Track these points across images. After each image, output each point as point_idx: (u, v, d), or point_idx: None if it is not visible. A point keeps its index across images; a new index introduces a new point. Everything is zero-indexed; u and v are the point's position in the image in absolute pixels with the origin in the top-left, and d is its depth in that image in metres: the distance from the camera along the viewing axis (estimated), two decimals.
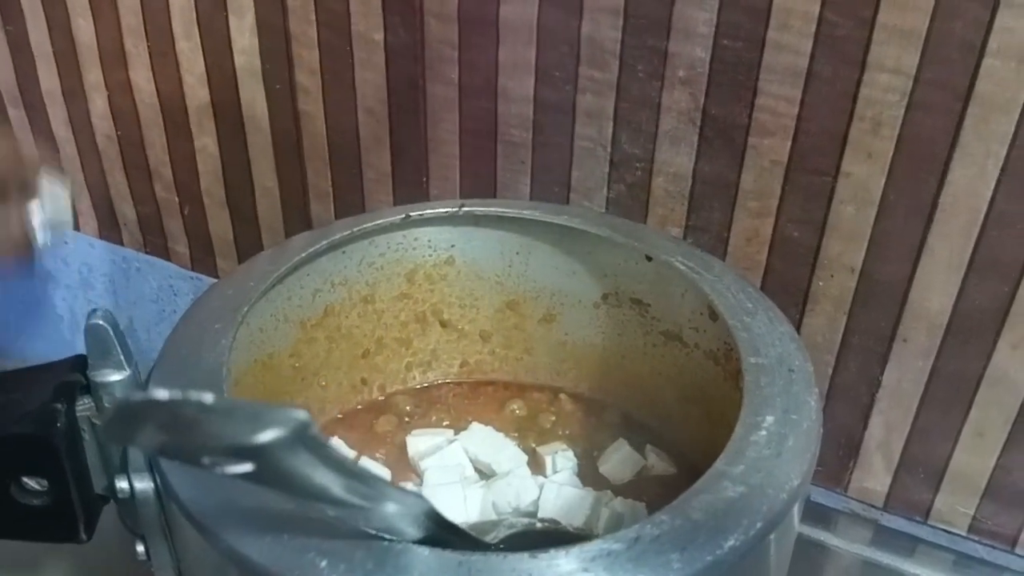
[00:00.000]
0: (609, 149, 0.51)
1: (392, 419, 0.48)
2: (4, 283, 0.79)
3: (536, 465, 0.45)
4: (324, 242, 0.42)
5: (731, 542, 0.28)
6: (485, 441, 0.46)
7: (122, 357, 0.34)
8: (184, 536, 0.32)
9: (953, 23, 0.41)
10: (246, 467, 0.20)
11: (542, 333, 0.49)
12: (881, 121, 0.44)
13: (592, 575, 0.27)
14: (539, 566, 0.27)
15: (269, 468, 0.21)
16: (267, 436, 0.19)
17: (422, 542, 0.28)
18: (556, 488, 0.43)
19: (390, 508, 0.26)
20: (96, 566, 0.51)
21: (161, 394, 0.19)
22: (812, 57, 0.45)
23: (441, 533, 0.29)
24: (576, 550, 0.28)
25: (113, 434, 0.20)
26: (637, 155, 0.51)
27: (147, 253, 0.73)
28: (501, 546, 0.38)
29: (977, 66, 0.42)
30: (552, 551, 0.28)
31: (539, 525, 0.41)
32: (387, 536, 0.28)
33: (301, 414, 0.19)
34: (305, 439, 0.20)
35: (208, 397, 0.19)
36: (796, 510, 0.32)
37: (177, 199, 0.69)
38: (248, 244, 0.67)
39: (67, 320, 0.81)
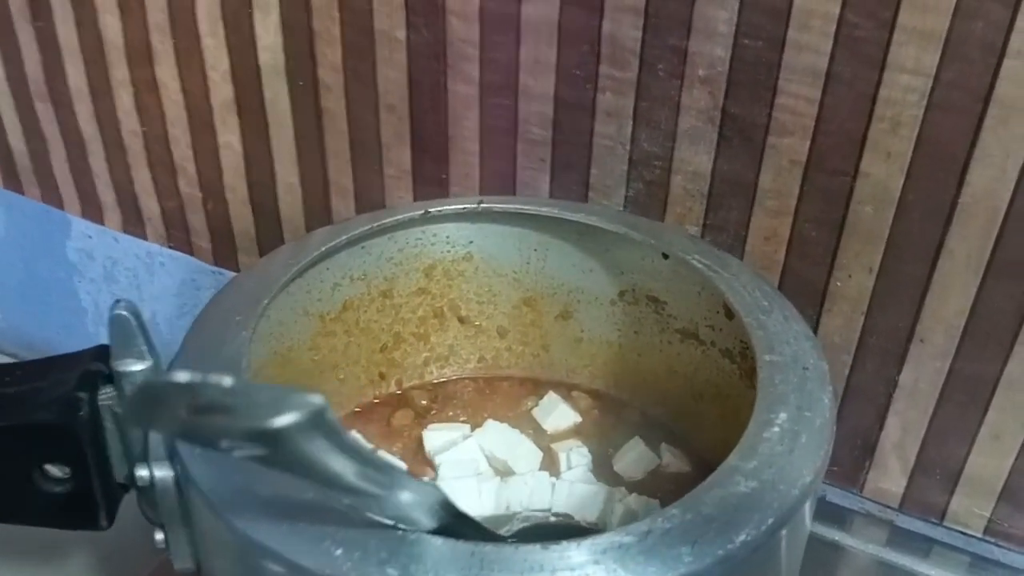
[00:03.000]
0: (628, 147, 0.52)
1: (409, 413, 0.48)
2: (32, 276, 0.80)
3: (550, 461, 0.46)
4: (344, 237, 0.43)
5: (742, 537, 0.29)
6: (501, 438, 0.46)
7: (145, 348, 0.34)
8: (203, 524, 0.32)
9: (974, 24, 0.41)
10: (261, 451, 0.21)
11: (559, 330, 0.49)
12: (900, 122, 0.45)
13: (603, 567, 0.27)
14: (550, 558, 0.28)
15: (285, 452, 0.21)
16: (284, 420, 0.19)
17: (435, 532, 0.29)
18: (568, 485, 0.43)
19: (404, 497, 0.27)
20: (115, 554, 0.52)
21: (182, 376, 0.19)
22: (832, 58, 0.45)
23: (455, 523, 0.30)
24: (588, 543, 0.28)
25: (135, 416, 0.21)
26: (656, 153, 0.51)
27: (170, 247, 0.74)
28: (514, 539, 0.39)
29: (998, 67, 0.42)
30: (564, 543, 0.28)
31: (552, 519, 0.41)
32: (400, 525, 0.28)
33: (317, 399, 0.20)
34: (321, 424, 0.21)
35: (227, 380, 0.19)
36: (808, 507, 0.32)
37: (201, 195, 0.69)
38: (270, 240, 0.68)
39: (91, 313, 0.82)
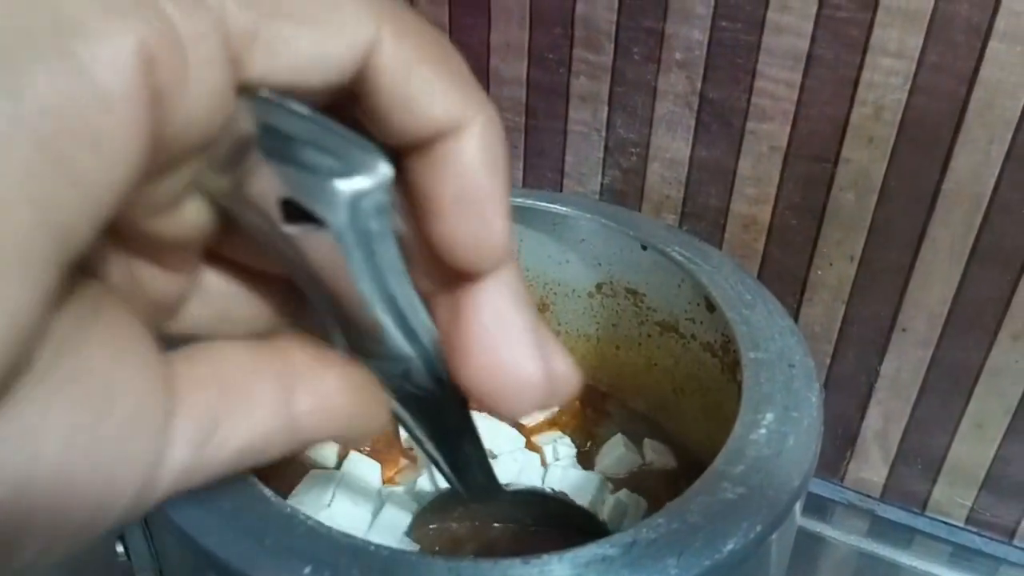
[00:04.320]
0: (604, 134, 0.50)
1: None
2: None
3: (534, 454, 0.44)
4: None
5: (730, 546, 0.27)
6: (480, 424, 0.45)
7: None
8: (163, 537, 0.31)
9: (958, 5, 0.40)
10: (300, 229, 0.17)
11: None
12: (883, 106, 0.43)
13: None
14: (531, 572, 0.26)
15: (322, 241, 0.17)
16: (352, 185, 0.16)
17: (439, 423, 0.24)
18: (561, 469, 0.42)
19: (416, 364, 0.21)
20: (75, 566, 0.50)
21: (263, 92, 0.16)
22: (813, 40, 0.43)
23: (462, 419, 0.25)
24: (570, 555, 0.27)
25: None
26: (632, 140, 0.50)
27: None
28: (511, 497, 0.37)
29: (983, 49, 0.40)
30: (545, 556, 0.27)
31: (549, 491, 0.40)
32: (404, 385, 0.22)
33: (387, 168, 0.16)
34: (381, 209, 0.17)
35: (303, 108, 0.16)
36: (797, 509, 0.31)
37: None
38: None
39: None
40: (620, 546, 0.27)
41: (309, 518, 0.27)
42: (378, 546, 0.27)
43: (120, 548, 0.34)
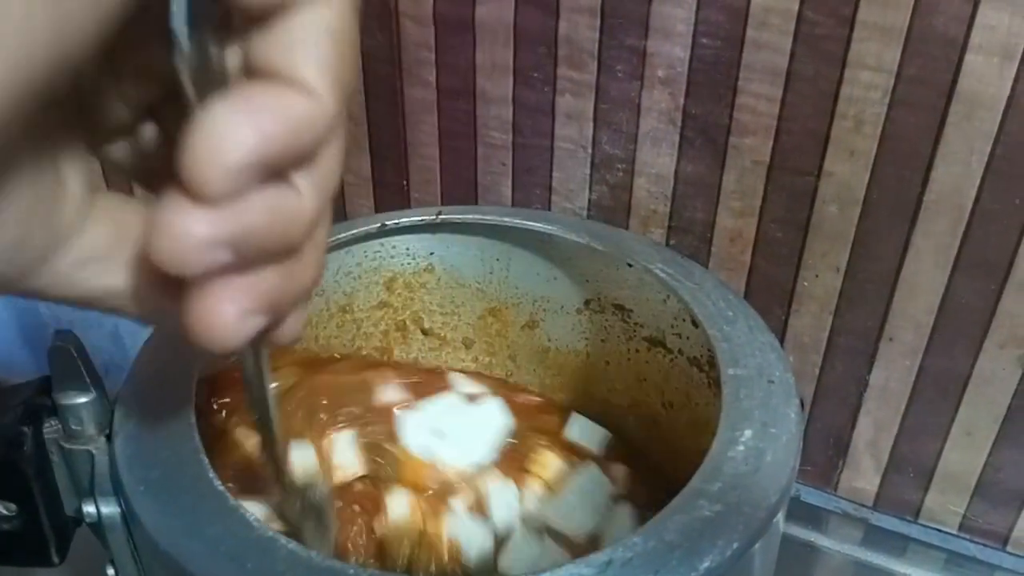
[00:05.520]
0: (590, 150, 0.51)
1: None
2: None
3: None
4: None
5: (706, 563, 0.28)
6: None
7: (87, 379, 0.33)
8: (150, 561, 0.31)
9: (934, 19, 0.40)
10: None
11: (525, 340, 0.48)
12: (863, 119, 0.44)
13: None
14: None
15: None
16: None
17: None
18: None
19: None
20: None
21: None
22: (792, 56, 0.44)
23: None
24: (547, 575, 0.27)
25: None
26: (618, 156, 0.50)
27: None
28: None
29: (959, 62, 0.41)
30: None
31: None
32: None
33: None
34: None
35: None
36: (778, 521, 0.31)
37: None
38: None
39: (52, 326, 0.81)
40: (596, 566, 0.27)
41: (290, 542, 0.28)
42: (357, 569, 0.27)
43: (111, 572, 0.35)
